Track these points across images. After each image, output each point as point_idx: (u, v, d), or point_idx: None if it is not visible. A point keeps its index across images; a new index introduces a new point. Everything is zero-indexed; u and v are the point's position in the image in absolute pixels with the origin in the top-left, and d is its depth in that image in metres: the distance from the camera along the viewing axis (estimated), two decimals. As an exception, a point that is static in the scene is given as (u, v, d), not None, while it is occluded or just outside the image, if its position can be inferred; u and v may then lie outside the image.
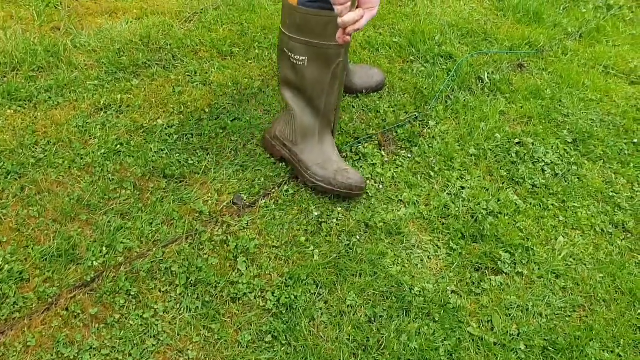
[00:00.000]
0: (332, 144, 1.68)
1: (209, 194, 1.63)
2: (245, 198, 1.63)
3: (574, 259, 1.65)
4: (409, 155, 1.90)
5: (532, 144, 2.01)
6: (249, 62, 2.16)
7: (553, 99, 2.23)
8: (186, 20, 2.35)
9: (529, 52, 2.51)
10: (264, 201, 1.64)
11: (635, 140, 2.09)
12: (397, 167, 1.84)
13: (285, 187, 1.68)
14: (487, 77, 2.30)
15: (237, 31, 2.32)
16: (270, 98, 2.00)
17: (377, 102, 2.09)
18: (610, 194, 1.87)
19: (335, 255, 1.52)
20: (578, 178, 1.91)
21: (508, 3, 2.87)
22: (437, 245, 1.63)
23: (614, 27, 2.84)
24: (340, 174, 1.61)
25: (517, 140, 2.02)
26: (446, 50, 2.40)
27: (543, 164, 1.94)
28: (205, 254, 1.47)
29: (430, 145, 1.94)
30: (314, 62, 1.51)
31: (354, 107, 2.05)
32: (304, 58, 1.50)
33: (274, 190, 1.67)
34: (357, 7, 1.24)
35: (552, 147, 2.01)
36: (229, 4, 2.47)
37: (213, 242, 1.50)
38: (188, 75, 2.04)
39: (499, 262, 1.60)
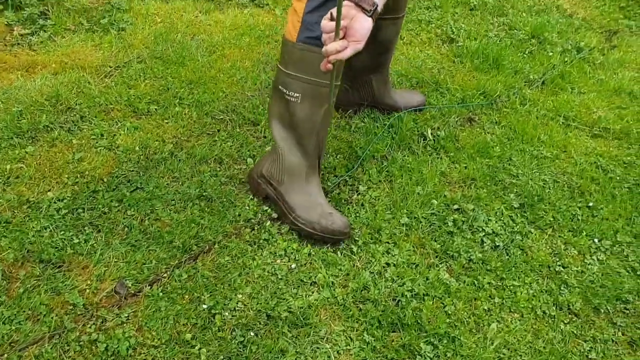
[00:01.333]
0: (318, 185, 1.73)
1: (89, 281, 1.50)
2: (130, 285, 1.49)
3: (508, 349, 1.50)
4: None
5: (473, 210, 1.88)
6: (166, 121, 2.06)
7: (502, 158, 2.10)
8: (106, 75, 2.26)
9: (482, 103, 2.40)
10: (150, 288, 1.50)
11: (591, 204, 1.96)
12: (316, 242, 1.70)
13: (178, 271, 1.55)
14: (431, 133, 2.18)
15: (159, 86, 2.22)
16: (181, 163, 1.89)
17: (305, 164, 1.97)
18: (557, 268, 1.73)
19: (223, 357, 1.38)
20: (521, 250, 1.77)
21: (467, 48, 2.79)
22: (349, 337, 1.48)
23: (581, 72, 2.74)
24: (325, 218, 1.66)
25: (455, 207, 1.89)
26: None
27: (483, 234, 1.81)
28: (70, 358, 1.33)
29: (357, 215, 1.81)
30: (307, 99, 1.59)
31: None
32: (298, 95, 1.58)
33: (165, 275, 1.54)
34: (342, 38, 1.26)
35: (496, 213, 1.88)
36: (156, 56, 2.39)
37: (81, 343, 1.36)
38: (93, 139, 1.93)
39: (418, 357, 1.45)
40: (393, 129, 2.17)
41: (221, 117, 2.10)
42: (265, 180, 1.75)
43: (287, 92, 1.59)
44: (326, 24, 1.26)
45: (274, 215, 1.75)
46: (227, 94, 2.22)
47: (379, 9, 1.30)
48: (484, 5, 3.23)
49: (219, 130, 2.04)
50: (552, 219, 1.89)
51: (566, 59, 2.83)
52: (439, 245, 1.75)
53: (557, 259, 1.76)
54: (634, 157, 2.19)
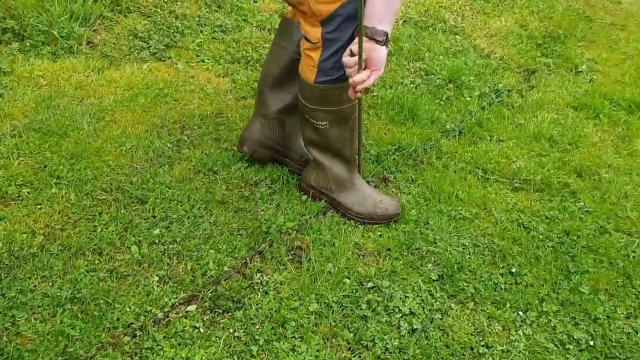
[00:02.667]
0: (361, 180, 1.99)
1: None
2: None
3: None
4: (232, 323, 1.58)
5: (388, 287, 1.74)
6: (39, 206, 1.84)
7: (418, 222, 1.99)
8: (-28, 154, 2.02)
9: (398, 157, 2.30)
10: None
11: (514, 269, 1.87)
12: (210, 345, 1.52)
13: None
14: (343, 199, 2.04)
15: (34, 164, 2.01)
16: (53, 258, 1.67)
17: (202, 246, 1.79)
18: (481, 349, 1.61)
19: None
20: (442, 331, 1.65)
21: (382, 98, 2.71)
22: None
23: (500, 117, 2.71)
24: (378, 207, 1.92)
25: (370, 284, 1.75)
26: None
27: (400, 315, 1.67)
28: None
29: (259, 306, 1.64)
30: (335, 124, 1.82)
31: (178, 255, 1.74)
32: (325, 123, 1.81)
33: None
34: (365, 69, 1.55)
35: (413, 288, 1.75)
36: (34, 127, 2.17)
37: None
38: (-53, 237, 1.69)
39: None
40: (304, 196, 2.03)
41: (103, 197, 1.90)
42: (316, 190, 1.97)
43: (316, 122, 1.81)
44: (348, 60, 1.56)
45: (160, 315, 1.56)
46: (112, 167, 2.03)
47: (390, 35, 1.56)
48: (399, 50, 3.19)
49: (100, 213, 1.84)
50: (473, 291, 1.78)
51: (484, 104, 2.79)
52: (351, 334, 1.60)
53: (480, 338, 1.64)
54: (556, 210, 2.13)
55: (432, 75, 3.01)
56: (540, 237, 2.01)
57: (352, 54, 1.56)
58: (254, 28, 3.19)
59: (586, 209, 2.16)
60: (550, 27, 3.77)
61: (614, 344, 1.66)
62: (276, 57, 1.97)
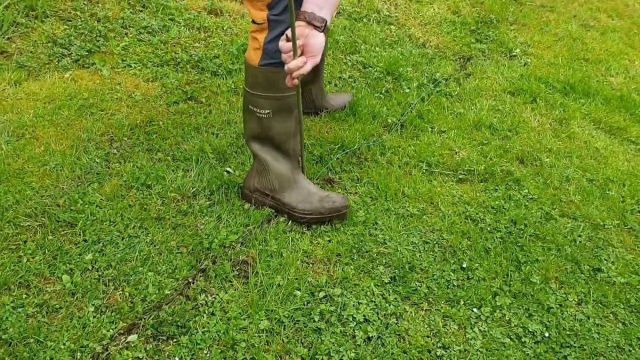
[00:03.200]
0: (304, 178, 1.94)
1: None
2: None
3: None
4: (177, 350, 1.49)
5: (341, 295, 1.69)
6: (-46, 241, 1.68)
7: (367, 223, 1.95)
8: None
9: (342, 156, 2.24)
10: None
11: (465, 264, 1.85)
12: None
13: None
14: (287, 205, 1.98)
15: (-54, 192, 1.83)
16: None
17: (140, 269, 1.69)
18: (439, 351, 1.58)
19: None
20: (398, 336, 1.61)
21: (320, 94, 2.63)
22: None
23: (439, 108, 2.70)
24: (325, 201, 1.87)
25: (322, 294, 1.69)
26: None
27: (354, 324, 1.62)
28: None
29: (205, 329, 1.55)
30: (278, 113, 1.79)
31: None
32: (268, 111, 1.78)
33: None
34: (300, 55, 1.48)
35: (366, 294, 1.71)
36: (-56, 151, 1.99)
37: None
38: None
39: None
40: (247, 204, 1.95)
41: (28, 223, 1.76)
42: (260, 192, 1.91)
43: (258, 111, 1.79)
44: (284, 44, 1.48)
45: (98, 349, 1.45)
46: (36, 190, 1.88)
47: (328, 23, 1.52)
48: (335, 43, 3.13)
49: (25, 242, 1.70)
50: (426, 290, 1.75)
51: (423, 95, 2.78)
52: (306, 350, 1.54)
53: (437, 340, 1.61)
54: (502, 200, 2.14)
55: (370, 68, 2.97)
56: (488, 228, 2.00)
57: (288, 39, 1.50)
58: (182, 27, 3.06)
59: (530, 196, 2.17)
60: (482, 12, 3.81)
61: (567, 332, 1.67)
62: None
